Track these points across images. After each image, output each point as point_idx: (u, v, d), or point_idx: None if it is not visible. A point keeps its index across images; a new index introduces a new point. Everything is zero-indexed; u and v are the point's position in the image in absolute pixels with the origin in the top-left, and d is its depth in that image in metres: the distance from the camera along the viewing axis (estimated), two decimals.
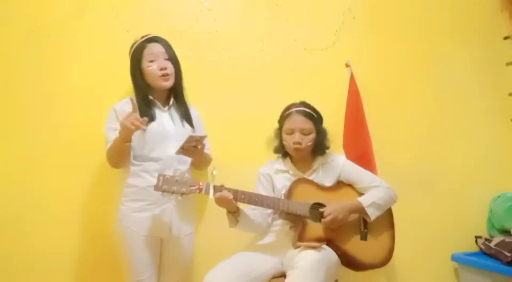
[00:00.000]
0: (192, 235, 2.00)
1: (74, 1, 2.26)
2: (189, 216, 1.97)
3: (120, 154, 1.82)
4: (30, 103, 2.18)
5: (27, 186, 2.12)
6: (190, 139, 1.76)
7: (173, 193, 1.69)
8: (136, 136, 1.80)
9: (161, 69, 1.88)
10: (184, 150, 1.79)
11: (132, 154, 1.86)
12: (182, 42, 2.26)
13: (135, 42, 1.95)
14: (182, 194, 1.70)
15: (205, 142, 2.03)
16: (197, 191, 1.73)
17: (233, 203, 1.75)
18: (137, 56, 1.90)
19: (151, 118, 1.85)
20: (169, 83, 1.91)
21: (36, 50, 2.20)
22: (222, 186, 1.75)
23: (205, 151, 2.00)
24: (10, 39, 2.19)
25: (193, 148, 1.81)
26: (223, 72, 2.37)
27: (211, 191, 1.72)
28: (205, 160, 2.04)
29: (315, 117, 1.98)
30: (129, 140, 1.77)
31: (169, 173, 1.79)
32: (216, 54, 2.37)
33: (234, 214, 1.80)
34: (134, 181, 1.85)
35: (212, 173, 1.74)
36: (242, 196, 1.76)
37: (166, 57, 1.91)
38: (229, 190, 1.74)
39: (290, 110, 1.98)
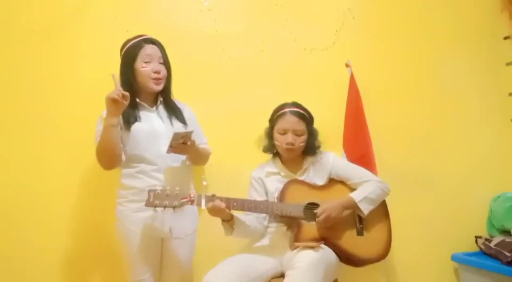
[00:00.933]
0: (194, 234, 1.98)
1: (74, 1, 2.26)
2: (191, 216, 1.96)
3: (110, 143, 1.76)
4: (29, 103, 2.18)
5: (25, 185, 2.12)
6: (176, 136, 1.74)
7: (165, 207, 1.69)
8: (127, 137, 1.82)
9: (155, 72, 1.87)
10: (173, 147, 1.77)
11: (125, 156, 1.85)
12: (182, 42, 2.27)
13: (129, 40, 1.93)
14: (174, 207, 1.70)
15: (202, 136, 2.03)
16: (189, 203, 1.72)
17: (226, 212, 1.74)
18: (132, 54, 1.88)
19: (135, 119, 1.85)
20: (159, 87, 1.90)
21: (36, 50, 2.20)
22: (213, 196, 1.74)
23: (202, 145, 1.99)
24: (10, 39, 2.19)
25: (183, 145, 1.79)
26: (223, 72, 2.37)
27: (203, 201, 1.72)
28: (202, 155, 2.01)
29: (307, 119, 1.98)
30: (116, 117, 1.73)
31: (161, 182, 1.80)
32: (216, 54, 2.37)
33: (229, 222, 1.79)
34: (132, 182, 1.85)
35: (202, 184, 1.74)
36: (235, 204, 1.75)
37: (161, 61, 1.91)
38: (221, 199, 1.73)
39: (284, 110, 1.97)
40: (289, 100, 2.06)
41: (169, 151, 1.78)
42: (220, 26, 2.39)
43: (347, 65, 2.44)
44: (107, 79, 2.16)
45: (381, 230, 1.96)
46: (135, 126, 1.84)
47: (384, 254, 1.94)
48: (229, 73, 2.38)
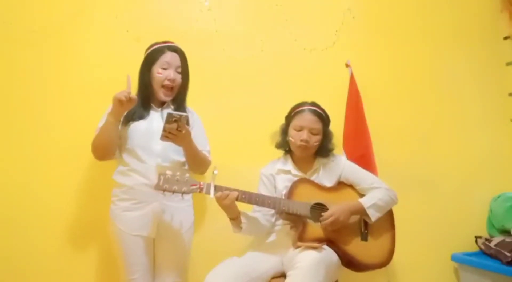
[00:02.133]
0: (187, 235, 1.94)
1: (74, 1, 2.26)
2: (182, 216, 1.93)
3: (108, 138, 1.79)
4: (29, 103, 2.17)
5: (23, 184, 2.12)
6: (169, 117, 1.70)
7: (174, 192, 1.69)
8: (124, 131, 1.84)
9: (169, 80, 1.89)
10: (167, 132, 1.73)
11: (118, 151, 1.86)
12: (182, 42, 2.26)
13: (154, 44, 1.95)
14: (183, 193, 1.70)
15: (206, 143, 2.01)
16: (198, 190, 1.72)
17: (233, 208, 1.74)
18: (153, 57, 1.91)
19: (141, 116, 1.87)
20: (167, 98, 1.92)
21: (36, 50, 2.20)
22: (223, 186, 1.74)
23: (204, 152, 1.97)
24: (10, 39, 2.19)
25: (177, 131, 1.74)
26: (223, 72, 2.37)
27: (212, 190, 1.72)
28: (199, 158, 1.94)
29: (324, 119, 1.98)
30: (119, 116, 1.77)
31: (152, 182, 1.77)
32: (216, 54, 2.37)
33: (236, 219, 1.79)
34: (122, 179, 1.85)
35: (213, 172, 1.73)
36: (243, 196, 1.76)
37: (179, 70, 1.92)
38: (230, 189, 1.74)
39: (303, 108, 1.97)
40: (289, 100, 2.06)
41: (162, 137, 1.74)
42: (220, 26, 2.39)
43: (347, 65, 2.44)
44: (107, 79, 2.18)
45: (385, 238, 1.96)
46: (135, 123, 1.85)
47: (385, 262, 1.94)
48: (229, 73, 2.37)
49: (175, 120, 1.70)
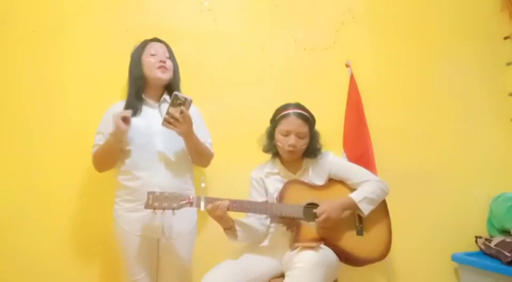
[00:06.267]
0: (191, 235, 1.96)
1: (74, 1, 2.27)
2: (186, 216, 1.92)
3: (109, 154, 1.82)
4: (29, 103, 2.18)
5: (25, 184, 2.12)
6: (175, 99, 1.70)
7: (164, 209, 1.69)
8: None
9: (161, 61, 1.91)
10: (169, 116, 1.72)
11: (123, 155, 1.86)
12: (182, 42, 2.27)
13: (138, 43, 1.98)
14: (173, 209, 1.70)
15: (207, 136, 2.01)
16: (188, 205, 1.72)
17: (226, 218, 1.73)
18: (139, 49, 1.94)
19: (136, 111, 1.87)
20: (166, 76, 1.91)
21: (36, 50, 2.20)
22: (212, 198, 1.74)
23: (206, 145, 1.97)
24: (10, 39, 2.19)
25: (180, 116, 1.73)
26: (223, 72, 2.37)
27: (202, 203, 1.71)
28: (201, 150, 1.94)
29: (310, 121, 1.96)
30: (120, 137, 1.78)
31: (155, 179, 1.80)
32: (216, 54, 2.37)
33: (231, 229, 1.78)
34: (126, 181, 1.85)
35: (201, 186, 1.73)
36: (234, 205, 1.74)
37: (167, 55, 1.95)
38: (220, 200, 1.72)
39: (288, 112, 1.94)
40: (289, 100, 2.05)
41: (164, 122, 1.74)
42: (220, 26, 2.39)
43: (347, 65, 2.44)
44: (107, 79, 2.18)
45: (381, 229, 1.95)
46: (132, 121, 1.82)
47: (384, 253, 1.93)
48: (229, 73, 2.37)
49: (180, 104, 1.70)
